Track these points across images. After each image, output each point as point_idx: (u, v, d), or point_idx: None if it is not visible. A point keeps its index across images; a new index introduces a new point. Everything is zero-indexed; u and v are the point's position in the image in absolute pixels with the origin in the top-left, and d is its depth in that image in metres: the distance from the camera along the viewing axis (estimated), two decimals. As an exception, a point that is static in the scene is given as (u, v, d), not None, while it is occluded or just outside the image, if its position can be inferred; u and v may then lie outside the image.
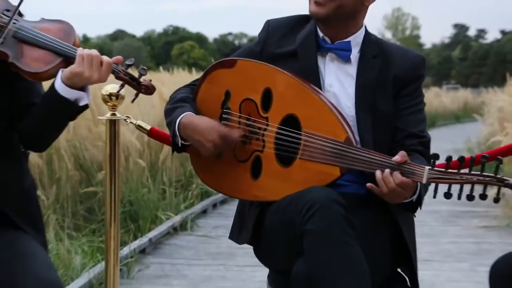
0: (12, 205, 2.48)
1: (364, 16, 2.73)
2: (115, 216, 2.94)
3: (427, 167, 2.40)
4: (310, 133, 2.56)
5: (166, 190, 7.69)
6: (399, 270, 2.74)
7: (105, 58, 2.47)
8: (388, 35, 74.70)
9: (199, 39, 73.86)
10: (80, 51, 2.45)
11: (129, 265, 5.48)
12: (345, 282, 2.35)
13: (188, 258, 6.08)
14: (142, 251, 6.06)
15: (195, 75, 11.01)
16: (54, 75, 2.46)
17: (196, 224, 7.45)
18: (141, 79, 2.59)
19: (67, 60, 2.47)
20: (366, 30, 2.74)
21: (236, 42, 79.60)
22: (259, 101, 2.65)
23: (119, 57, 2.54)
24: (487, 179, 2.36)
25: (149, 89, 2.61)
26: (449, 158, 2.40)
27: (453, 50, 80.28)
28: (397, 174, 2.41)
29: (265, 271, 2.77)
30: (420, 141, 2.67)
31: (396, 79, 2.68)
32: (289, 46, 2.73)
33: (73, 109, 2.47)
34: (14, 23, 2.48)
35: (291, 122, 2.59)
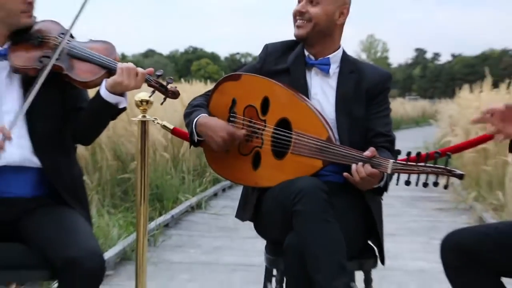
0: (64, 187, 2.49)
1: (339, 36, 2.72)
2: (145, 197, 2.93)
3: (391, 160, 2.40)
4: (299, 133, 2.56)
5: (185, 177, 7.68)
6: (369, 242, 2.74)
7: (140, 69, 2.47)
8: (363, 56, 74.52)
9: (214, 57, 73.59)
10: (120, 64, 2.45)
11: (155, 236, 5.50)
12: (325, 252, 2.35)
13: (202, 231, 6.08)
14: (166, 225, 6.07)
15: (210, 85, 10.99)
16: (99, 84, 2.46)
17: (209, 204, 7.44)
18: (168, 86, 2.59)
19: (110, 71, 2.47)
20: (344, 51, 2.74)
21: (243, 60, 79.33)
22: (259, 107, 2.65)
23: (151, 69, 2.54)
24: (439, 170, 2.35)
25: (175, 94, 2.60)
26: (408, 153, 2.40)
27: (414, 69, 79.96)
28: (367, 166, 2.41)
29: (264, 242, 2.77)
30: (387, 139, 2.67)
31: (368, 90, 2.68)
32: (283, 64, 2.72)
33: (114, 111, 2.48)
34: (68, 43, 2.49)
35: (284, 124, 2.59)
